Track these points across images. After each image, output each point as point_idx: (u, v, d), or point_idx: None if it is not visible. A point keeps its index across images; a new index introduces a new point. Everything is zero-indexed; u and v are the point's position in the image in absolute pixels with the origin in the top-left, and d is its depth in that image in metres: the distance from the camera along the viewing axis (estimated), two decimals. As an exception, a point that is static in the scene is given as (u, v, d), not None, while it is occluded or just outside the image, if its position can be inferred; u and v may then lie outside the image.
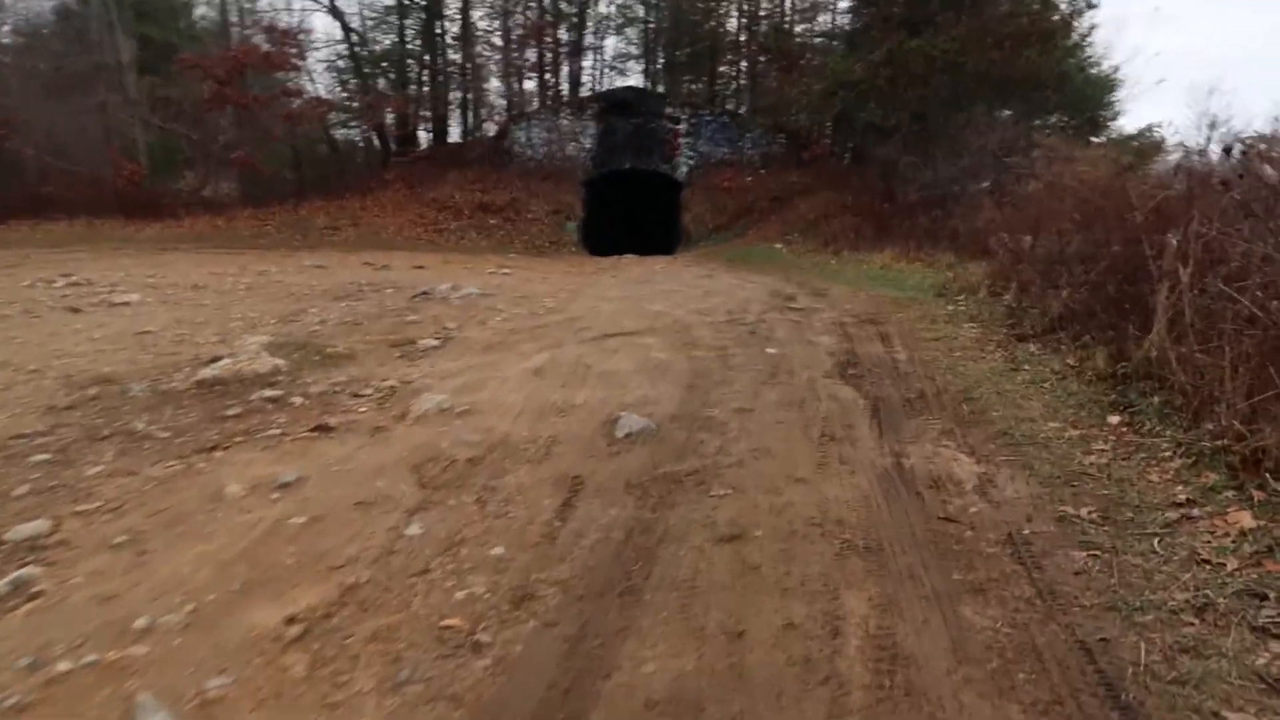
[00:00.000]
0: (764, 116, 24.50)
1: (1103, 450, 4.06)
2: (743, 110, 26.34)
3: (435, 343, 7.57)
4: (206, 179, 23.58)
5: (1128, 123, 24.70)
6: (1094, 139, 21.53)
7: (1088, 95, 22.59)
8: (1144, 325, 5.10)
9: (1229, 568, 2.76)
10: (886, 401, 5.18)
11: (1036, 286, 7.84)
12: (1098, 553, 2.95)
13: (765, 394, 5.37)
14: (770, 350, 6.71)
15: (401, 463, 4.30)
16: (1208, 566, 2.80)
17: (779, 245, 19.11)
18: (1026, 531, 3.17)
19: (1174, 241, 4.76)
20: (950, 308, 8.44)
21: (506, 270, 14.92)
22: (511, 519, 3.61)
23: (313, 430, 4.98)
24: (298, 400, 5.51)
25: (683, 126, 23.83)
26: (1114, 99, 23.73)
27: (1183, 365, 4.42)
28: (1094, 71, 23.35)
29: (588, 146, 23.86)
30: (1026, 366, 5.70)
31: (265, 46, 22.60)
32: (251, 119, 21.86)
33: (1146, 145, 22.43)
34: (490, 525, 3.56)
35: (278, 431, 4.88)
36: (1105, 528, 3.15)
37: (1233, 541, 2.92)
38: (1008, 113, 20.25)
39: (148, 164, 21.22)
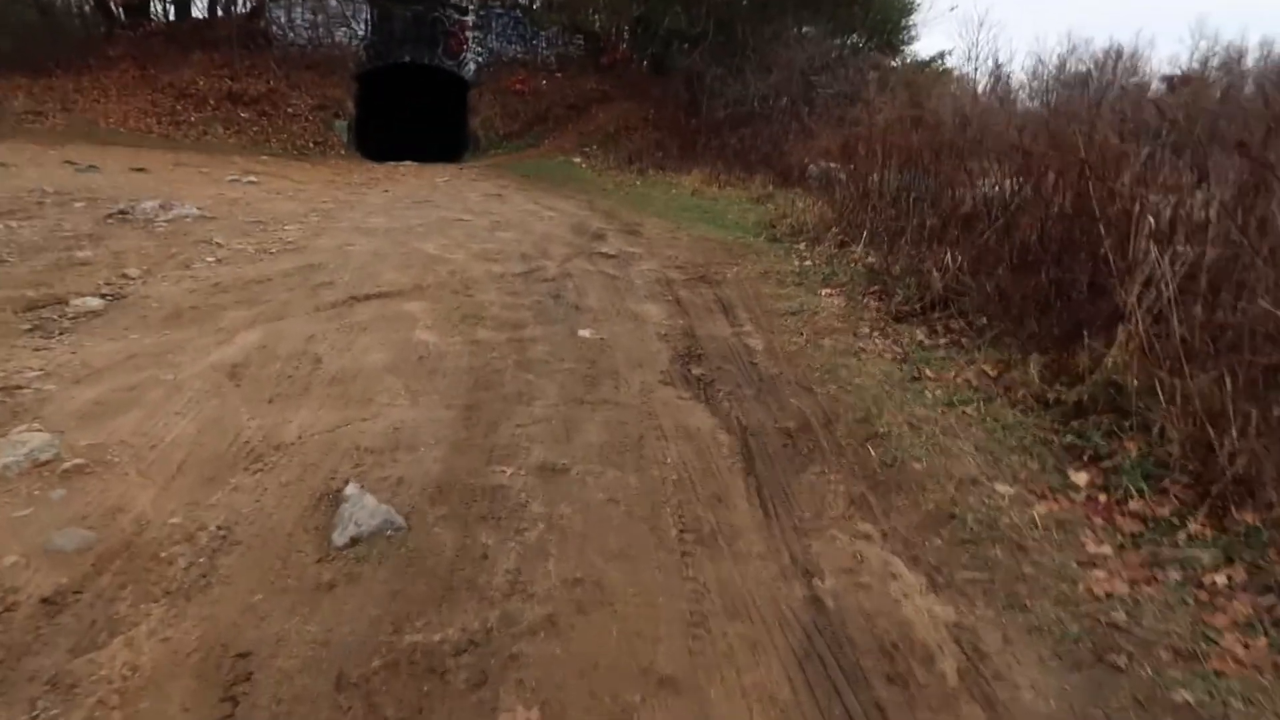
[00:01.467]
0: (559, 14, 22.10)
1: (1108, 559, 2.63)
2: (536, 6, 23.69)
3: (98, 304, 5.19)
4: None
5: (920, 48, 24.61)
6: (892, 62, 21.05)
7: (888, 17, 22.09)
8: (1095, 326, 3.74)
9: None
10: (759, 438, 3.53)
11: (889, 233, 6.54)
12: None
13: (584, 426, 3.56)
14: (584, 333, 4.87)
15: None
16: None
17: (578, 159, 17.21)
18: None
19: (1151, 220, 3.39)
20: (796, 262, 6.91)
21: (253, 178, 12.10)
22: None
23: None
24: None
25: (470, 19, 20.97)
26: (910, 22, 23.42)
27: (1183, 405, 3.07)
28: (894, -8, 22.81)
29: (361, 34, 20.47)
30: (929, 372, 4.23)
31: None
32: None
33: (940, 71, 22.39)
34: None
35: None
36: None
37: None
38: (809, 29, 19.24)
39: None
